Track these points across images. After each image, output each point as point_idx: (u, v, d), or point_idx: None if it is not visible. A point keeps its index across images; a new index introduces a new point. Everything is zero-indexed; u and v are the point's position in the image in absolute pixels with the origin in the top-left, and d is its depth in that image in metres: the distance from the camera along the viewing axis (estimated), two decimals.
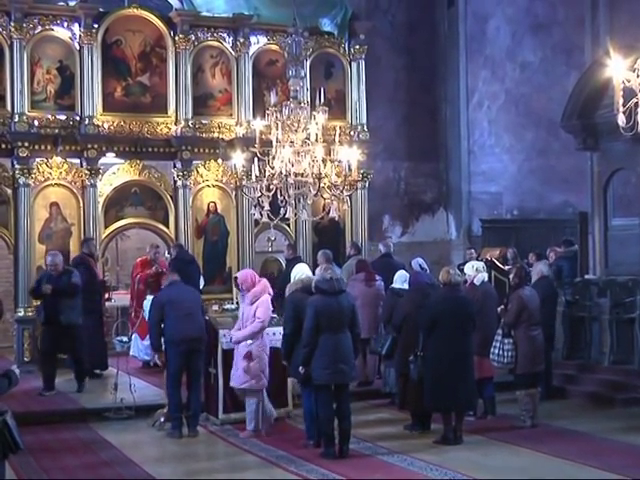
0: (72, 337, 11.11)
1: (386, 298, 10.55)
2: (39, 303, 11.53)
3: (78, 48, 13.46)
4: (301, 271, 9.27)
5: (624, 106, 6.21)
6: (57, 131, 13.32)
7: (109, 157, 13.74)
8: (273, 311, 9.46)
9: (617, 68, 6.19)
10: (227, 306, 11.14)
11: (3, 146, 13.11)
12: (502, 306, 10.01)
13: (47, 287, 11.00)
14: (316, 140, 9.96)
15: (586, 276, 12.54)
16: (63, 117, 13.40)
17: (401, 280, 10.23)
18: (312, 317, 8.15)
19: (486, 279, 10.23)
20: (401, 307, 9.52)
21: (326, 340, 8.13)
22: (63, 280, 11.13)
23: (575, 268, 12.98)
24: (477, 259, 13.40)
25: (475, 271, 10.01)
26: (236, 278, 9.35)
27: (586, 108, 12.19)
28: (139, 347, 12.58)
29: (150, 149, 13.92)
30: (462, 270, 10.30)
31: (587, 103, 12.16)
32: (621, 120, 6.23)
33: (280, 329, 9.19)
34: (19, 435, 4.79)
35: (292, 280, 9.19)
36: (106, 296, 12.93)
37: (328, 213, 10.68)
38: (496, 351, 9.35)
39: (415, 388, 9.01)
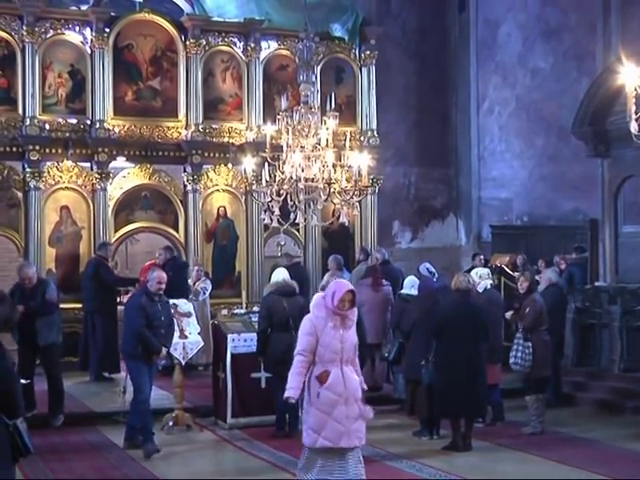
0: (49, 358, 9.75)
1: (394, 304, 10.54)
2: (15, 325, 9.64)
3: (89, 52, 13.50)
4: (278, 274, 9.67)
5: (636, 113, 6.20)
6: (68, 135, 13.37)
7: (119, 161, 13.78)
8: None
9: (629, 75, 6.18)
10: (236, 310, 11.13)
11: (14, 149, 13.17)
12: (511, 311, 9.99)
13: (18, 307, 8.85)
14: (326, 145, 9.95)
15: (596, 283, 12.49)
16: (74, 121, 13.44)
17: (409, 285, 10.21)
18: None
19: (489, 286, 10.20)
20: (410, 313, 9.51)
21: None
22: (37, 296, 9.61)
23: (586, 275, 12.94)
24: (486, 266, 13.36)
25: (479, 278, 10.01)
26: (353, 293, 6.45)
27: (597, 115, 12.16)
28: None
29: (160, 153, 13.95)
30: None
31: (598, 110, 12.13)
32: (633, 127, 6.22)
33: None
34: (29, 439, 4.80)
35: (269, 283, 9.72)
36: (118, 299, 12.95)
37: (338, 218, 10.68)
38: (519, 354, 9.29)
39: (424, 394, 9.00)
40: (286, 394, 6.35)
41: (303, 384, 6.32)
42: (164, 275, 8.86)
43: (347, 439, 6.25)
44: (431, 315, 8.92)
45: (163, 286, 8.77)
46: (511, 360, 9.37)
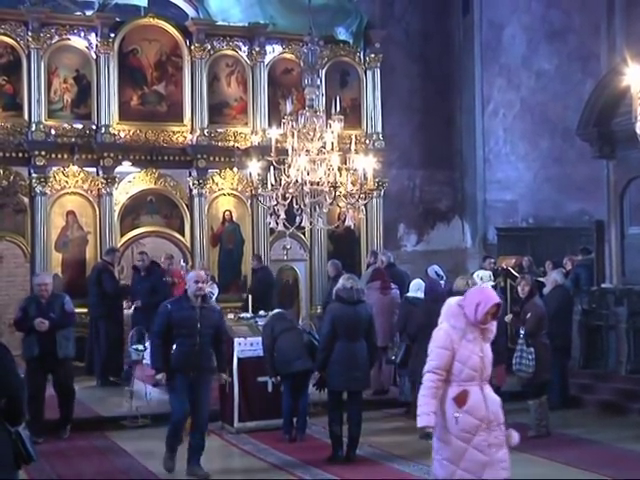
0: (65, 371, 9.42)
1: (400, 307, 10.54)
2: (26, 335, 9.33)
3: (95, 57, 13.54)
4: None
5: None
6: (74, 140, 13.41)
7: (125, 166, 13.80)
8: None
9: (634, 76, 6.17)
10: (243, 315, 11.14)
11: (20, 155, 13.20)
12: (510, 315, 9.97)
13: (42, 323, 9.09)
14: (332, 149, 9.96)
15: (603, 285, 12.46)
16: (80, 126, 13.48)
17: (415, 288, 10.22)
18: (329, 323, 8.34)
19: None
20: (416, 316, 9.50)
21: (341, 347, 8.25)
22: (54, 308, 9.29)
23: (592, 276, 12.92)
24: (495, 268, 13.38)
25: (480, 280, 10.01)
26: (499, 306, 5.54)
27: (602, 116, 12.14)
28: None
29: (166, 158, 13.98)
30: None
31: (603, 111, 12.11)
32: (638, 128, 6.21)
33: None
34: (32, 446, 4.81)
35: None
36: (125, 304, 12.97)
37: (344, 222, 10.68)
38: (523, 361, 9.28)
39: None
40: (422, 423, 5.38)
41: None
42: (202, 273, 8.19)
43: (490, 470, 5.36)
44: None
45: (203, 286, 7.90)
46: (515, 367, 9.36)
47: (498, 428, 5.44)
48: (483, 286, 6.05)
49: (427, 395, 5.38)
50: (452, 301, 5.62)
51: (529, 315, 9.41)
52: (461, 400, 5.35)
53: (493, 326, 5.57)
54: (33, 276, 10.28)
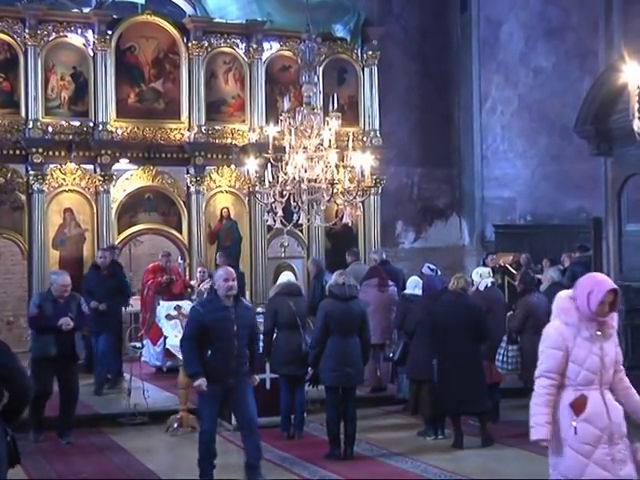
0: (74, 373, 9.29)
1: (398, 304, 10.55)
2: (40, 334, 9.06)
3: (92, 54, 13.52)
4: (284, 276, 9.82)
5: (639, 111, 6.18)
6: (71, 137, 13.38)
7: (123, 163, 13.79)
8: None
9: (632, 73, 6.16)
10: None
11: (17, 152, 13.18)
12: (511, 312, 9.98)
13: (68, 322, 8.89)
14: (329, 146, 9.97)
15: None
16: (77, 123, 13.46)
17: (412, 285, 10.22)
18: (321, 319, 8.39)
19: (489, 285, 10.18)
20: (413, 313, 9.51)
21: (334, 343, 8.31)
22: (72, 308, 9.08)
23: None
24: (493, 266, 13.39)
25: (479, 277, 10.03)
26: (616, 292, 4.90)
27: (600, 113, 12.14)
28: (150, 353, 12.61)
29: (163, 155, 13.96)
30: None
31: (601, 108, 12.11)
32: (636, 125, 6.19)
33: None
34: (17, 448, 4.82)
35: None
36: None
37: (341, 219, 10.69)
38: (500, 357, 9.35)
39: (428, 393, 9.01)
40: (535, 435, 4.77)
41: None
42: (230, 270, 7.39)
43: None
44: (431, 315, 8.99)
45: (233, 284, 7.17)
46: (496, 363, 9.40)
47: (621, 441, 4.78)
48: (594, 273, 5.25)
49: (540, 403, 4.77)
50: (562, 294, 4.98)
51: (516, 312, 9.45)
52: (579, 407, 4.70)
53: (613, 320, 4.90)
54: (51, 274, 9.69)
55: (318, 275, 12.41)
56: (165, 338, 10.75)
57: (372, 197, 14.68)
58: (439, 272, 10.88)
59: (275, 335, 9.22)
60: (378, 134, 15.16)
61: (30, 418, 8.80)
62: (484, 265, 13.39)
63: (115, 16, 13.74)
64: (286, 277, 9.76)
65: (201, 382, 7.02)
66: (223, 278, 7.14)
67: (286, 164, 10.04)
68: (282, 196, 10.03)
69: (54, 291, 9.10)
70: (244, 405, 7.21)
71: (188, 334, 7.22)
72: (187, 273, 13.88)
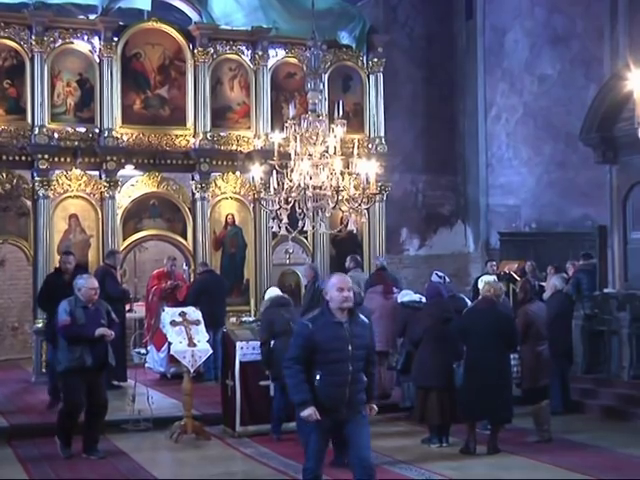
0: (103, 384, 9.00)
1: (399, 312, 10.53)
2: (71, 343, 8.57)
3: (98, 61, 13.54)
4: (271, 291, 10.23)
5: None
6: (77, 143, 13.40)
7: (128, 169, 13.80)
8: None
9: (637, 81, 6.17)
10: (245, 318, 11.15)
11: (23, 158, 13.20)
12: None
13: (109, 333, 8.59)
14: (334, 153, 9.96)
15: (605, 290, 12.45)
16: (83, 129, 13.48)
17: (405, 294, 10.44)
18: None
19: None
20: (419, 321, 9.46)
21: None
22: (103, 315, 8.73)
23: (594, 281, 12.91)
24: (498, 274, 13.39)
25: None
26: None
27: (605, 121, 12.13)
28: (155, 359, 12.62)
29: (169, 161, 13.97)
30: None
31: (606, 116, 12.10)
32: None
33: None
34: None
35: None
36: (127, 307, 12.96)
37: (346, 226, 10.69)
38: None
39: (436, 400, 8.98)
40: None
41: None
42: (346, 279, 6.21)
43: None
44: (454, 320, 9.05)
45: (350, 295, 6.02)
46: None
47: None
48: None
49: None
50: None
51: (516, 321, 9.43)
52: None
53: None
54: (77, 279, 8.89)
55: (314, 280, 12.41)
56: (170, 344, 10.73)
57: (377, 204, 14.66)
58: (447, 279, 10.87)
59: (273, 343, 9.19)
60: (383, 141, 15.16)
61: (60, 434, 8.70)
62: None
63: (121, 23, 13.77)
64: (274, 292, 10.11)
65: (311, 411, 5.87)
66: (337, 287, 5.97)
67: (291, 171, 10.04)
68: (287, 203, 10.03)
69: (82, 296, 8.65)
70: (358, 442, 6.03)
71: (294, 354, 6.00)
72: (192, 279, 13.87)
